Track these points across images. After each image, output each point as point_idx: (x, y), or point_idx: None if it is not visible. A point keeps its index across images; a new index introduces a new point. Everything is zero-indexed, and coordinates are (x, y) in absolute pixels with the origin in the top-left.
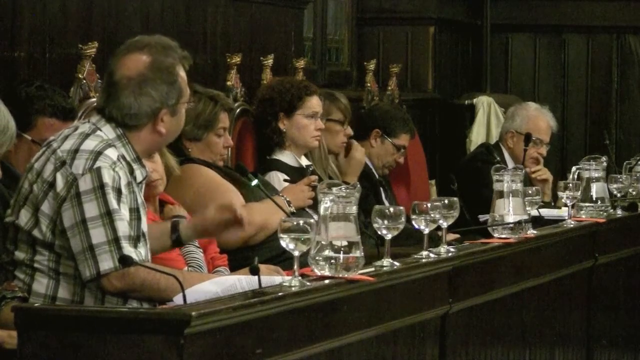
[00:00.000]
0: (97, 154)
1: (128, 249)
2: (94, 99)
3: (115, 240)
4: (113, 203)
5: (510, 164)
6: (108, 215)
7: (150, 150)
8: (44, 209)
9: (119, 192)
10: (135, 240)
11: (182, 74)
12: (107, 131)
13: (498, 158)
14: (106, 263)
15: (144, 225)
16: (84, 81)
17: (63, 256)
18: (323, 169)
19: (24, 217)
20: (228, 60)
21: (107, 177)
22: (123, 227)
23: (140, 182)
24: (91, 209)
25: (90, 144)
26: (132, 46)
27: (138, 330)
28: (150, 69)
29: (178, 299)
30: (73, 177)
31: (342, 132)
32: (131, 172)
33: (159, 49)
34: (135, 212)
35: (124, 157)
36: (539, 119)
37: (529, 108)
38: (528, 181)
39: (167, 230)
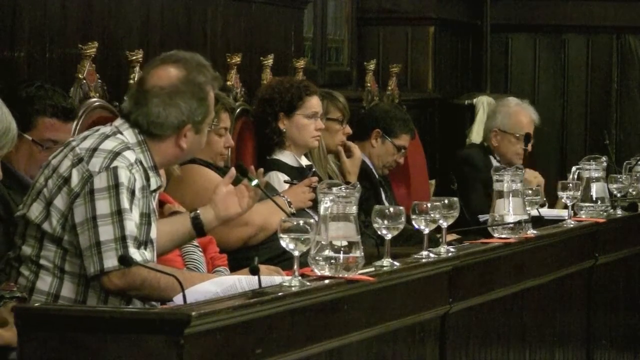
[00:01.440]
0: (115, 154)
1: (132, 249)
2: (94, 99)
3: (122, 239)
4: (125, 203)
5: (495, 162)
6: (118, 214)
7: (168, 163)
8: (57, 203)
9: (132, 193)
10: (142, 243)
11: (212, 94)
12: (129, 135)
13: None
14: (110, 261)
15: (154, 233)
16: (84, 81)
17: (70, 252)
18: (322, 168)
19: (35, 210)
20: (228, 60)
21: (123, 177)
22: (131, 227)
23: (154, 191)
24: (103, 206)
25: (109, 144)
26: (167, 59)
27: (138, 330)
28: (183, 82)
29: (178, 299)
30: (89, 174)
31: (341, 131)
32: (147, 178)
33: (194, 65)
34: (146, 217)
35: (140, 162)
36: (520, 114)
37: (510, 104)
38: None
39: (186, 214)
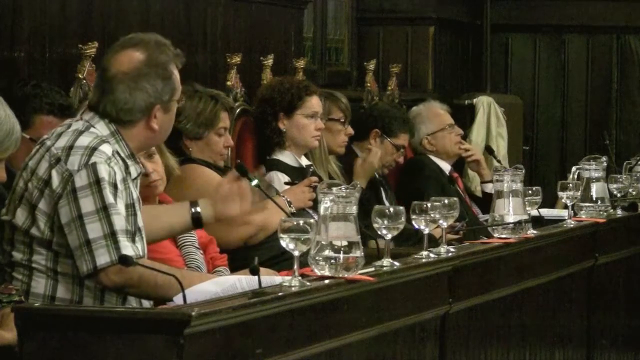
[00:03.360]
0: (92, 150)
1: (124, 243)
2: None
3: (112, 234)
4: (109, 197)
5: (442, 164)
6: (104, 210)
7: (144, 147)
8: (41, 206)
9: (114, 187)
10: (132, 234)
11: (176, 71)
12: (101, 128)
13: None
14: (103, 257)
15: (140, 221)
16: (84, 81)
17: (61, 254)
18: (323, 168)
19: (20, 216)
20: (228, 60)
21: (104, 172)
22: (119, 221)
23: (135, 178)
24: (87, 204)
25: (84, 140)
26: (126, 43)
27: (138, 330)
28: (146, 64)
29: (178, 299)
30: (69, 173)
31: (343, 131)
32: (126, 168)
33: (153, 45)
34: (131, 207)
35: (118, 153)
36: (434, 112)
37: (420, 111)
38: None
39: (186, 206)
